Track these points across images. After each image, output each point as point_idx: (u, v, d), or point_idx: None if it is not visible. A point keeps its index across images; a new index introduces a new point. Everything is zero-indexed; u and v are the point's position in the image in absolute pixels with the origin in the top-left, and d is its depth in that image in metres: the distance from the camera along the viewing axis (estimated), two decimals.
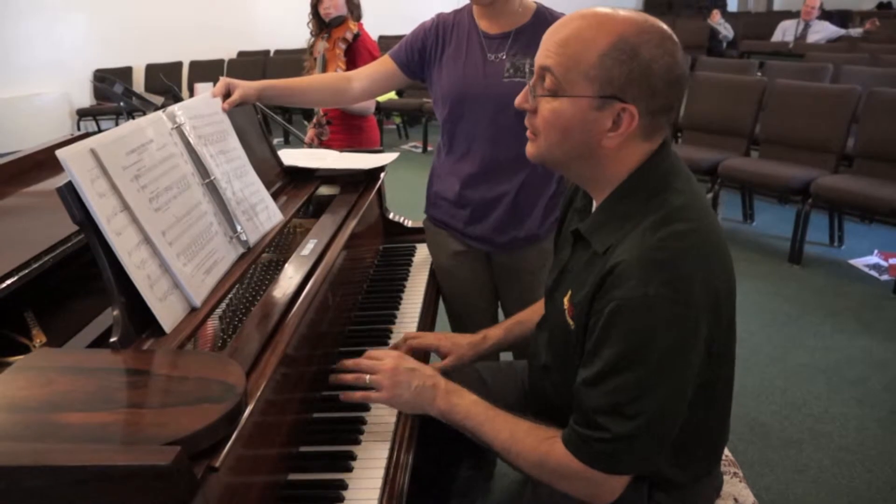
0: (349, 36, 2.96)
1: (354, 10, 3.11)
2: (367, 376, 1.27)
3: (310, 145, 2.98)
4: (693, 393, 1.05)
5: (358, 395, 1.27)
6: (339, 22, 3.01)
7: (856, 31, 8.15)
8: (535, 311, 1.54)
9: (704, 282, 1.01)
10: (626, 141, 1.06)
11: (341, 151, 2.23)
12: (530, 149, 1.14)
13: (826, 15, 8.44)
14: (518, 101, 1.13)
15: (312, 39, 3.16)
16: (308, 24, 3.16)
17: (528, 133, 1.14)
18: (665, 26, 1.05)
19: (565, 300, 1.15)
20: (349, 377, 1.28)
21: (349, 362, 1.32)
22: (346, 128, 3.06)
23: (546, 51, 1.07)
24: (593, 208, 1.17)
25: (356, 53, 2.98)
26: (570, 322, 1.13)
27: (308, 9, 3.11)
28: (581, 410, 1.07)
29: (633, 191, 1.09)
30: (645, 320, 0.98)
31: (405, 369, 1.27)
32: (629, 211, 1.07)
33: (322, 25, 3.08)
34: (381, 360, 1.29)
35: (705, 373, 1.06)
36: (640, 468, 1.08)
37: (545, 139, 1.10)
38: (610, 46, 1.01)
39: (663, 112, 1.06)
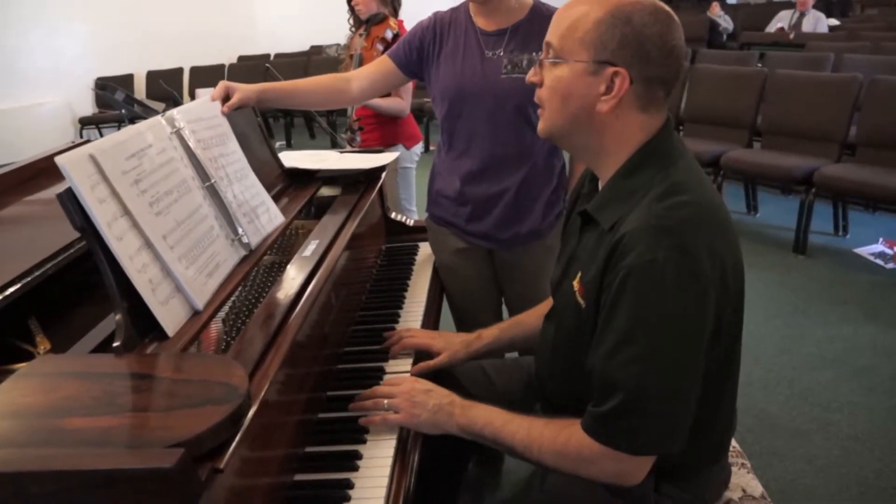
0: (388, 35, 2.87)
1: (391, 3, 2.99)
2: (385, 401, 1.27)
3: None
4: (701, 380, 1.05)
5: (377, 419, 1.27)
6: (379, 20, 2.90)
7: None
8: (534, 314, 1.54)
9: (710, 250, 1.02)
10: (622, 109, 1.10)
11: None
12: (540, 124, 1.20)
13: (826, 3, 8.38)
14: (529, 76, 1.19)
15: (351, 35, 3.08)
16: (348, 19, 3.11)
17: (539, 111, 1.19)
18: (664, 5, 1.10)
19: (575, 283, 1.17)
20: (367, 403, 1.28)
21: (366, 392, 1.32)
22: (380, 125, 2.99)
23: (551, 28, 1.15)
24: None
25: None
26: (581, 301, 1.14)
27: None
28: (596, 389, 1.07)
29: (637, 168, 1.12)
30: (655, 284, 0.99)
31: (421, 391, 1.27)
32: (635, 186, 1.10)
33: (360, 21, 2.99)
34: (397, 385, 1.30)
35: (713, 355, 1.06)
36: (661, 446, 1.06)
37: (549, 108, 1.16)
38: (605, 13, 1.08)
39: (659, 83, 1.10)
